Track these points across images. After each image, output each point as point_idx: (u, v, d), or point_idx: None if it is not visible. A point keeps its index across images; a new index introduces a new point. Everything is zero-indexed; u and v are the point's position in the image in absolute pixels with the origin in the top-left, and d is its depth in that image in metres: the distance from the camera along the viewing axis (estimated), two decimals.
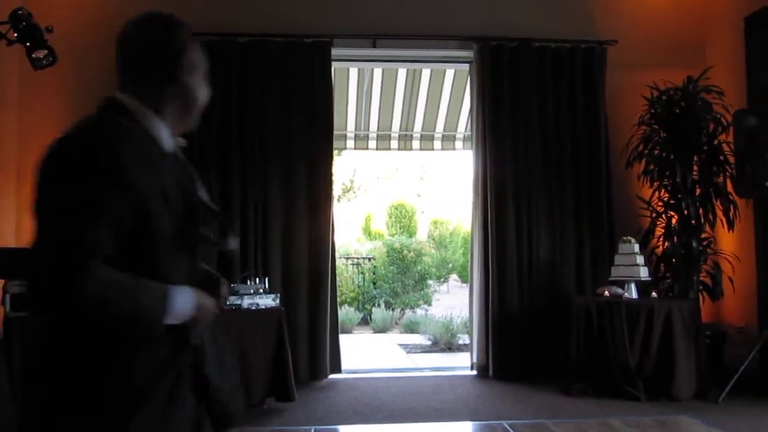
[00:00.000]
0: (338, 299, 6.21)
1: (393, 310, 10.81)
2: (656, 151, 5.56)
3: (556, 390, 5.07)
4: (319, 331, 5.52)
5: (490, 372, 5.62)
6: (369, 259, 12.53)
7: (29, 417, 1.37)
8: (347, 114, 7.98)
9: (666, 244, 5.57)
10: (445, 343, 8.13)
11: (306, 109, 5.64)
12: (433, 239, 15.09)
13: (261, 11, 5.73)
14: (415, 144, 8.56)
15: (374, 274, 11.89)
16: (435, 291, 12.74)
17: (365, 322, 10.63)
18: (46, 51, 4.34)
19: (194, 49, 1.53)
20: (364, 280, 11.75)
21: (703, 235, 5.52)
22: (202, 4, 5.48)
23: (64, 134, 1.39)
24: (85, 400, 1.31)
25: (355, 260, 12.54)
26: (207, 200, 1.55)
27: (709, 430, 4.06)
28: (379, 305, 10.83)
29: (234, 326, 4.41)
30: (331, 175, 5.75)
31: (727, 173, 5.43)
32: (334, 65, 5.91)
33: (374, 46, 5.92)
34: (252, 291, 4.73)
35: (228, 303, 4.50)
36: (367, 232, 16.73)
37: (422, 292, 11.54)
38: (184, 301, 1.40)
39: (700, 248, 5.47)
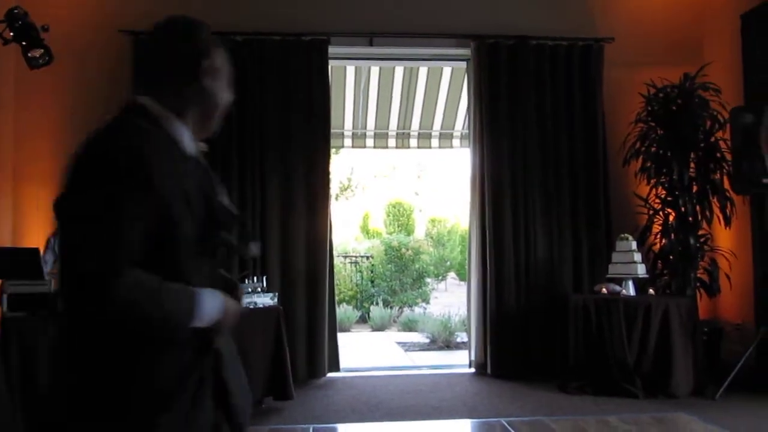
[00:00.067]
0: (336, 298, 6.21)
1: (391, 308, 10.82)
2: (653, 149, 5.57)
3: (554, 387, 5.08)
4: (317, 330, 5.52)
5: (488, 370, 5.63)
6: (367, 257, 12.54)
7: (53, 420, 1.36)
8: (344, 112, 7.98)
9: (663, 241, 5.58)
10: (443, 341, 8.14)
11: (303, 108, 5.64)
12: (431, 237, 15.10)
13: (258, 10, 5.73)
14: (413, 142, 8.56)
15: (372, 272, 11.89)
16: (433, 289, 12.75)
17: (363, 320, 10.64)
18: (42, 50, 4.33)
19: (216, 53, 1.52)
20: (362, 279, 11.75)
21: (700, 232, 5.53)
22: (201, 3, 5.46)
23: (88, 139, 1.39)
24: (111, 403, 1.31)
25: (353, 259, 12.54)
26: (228, 205, 1.55)
27: (707, 426, 4.07)
28: (377, 303, 10.84)
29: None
30: (328, 173, 5.75)
31: (724, 170, 5.44)
32: (332, 63, 5.90)
33: (371, 44, 5.92)
34: (250, 290, 4.74)
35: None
36: (365, 231, 16.74)
37: (420, 290, 11.55)
38: (212, 305, 1.40)
39: (697, 245, 5.48)
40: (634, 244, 5.33)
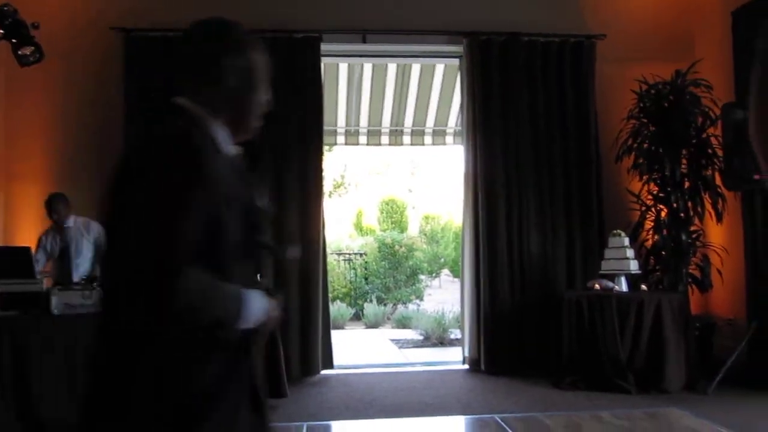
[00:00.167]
0: (330, 295, 6.21)
1: (385, 305, 10.83)
2: (645, 145, 5.59)
3: (548, 384, 5.09)
4: (310, 327, 5.52)
5: (482, 366, 5.64)
6: (360, 254, 12.54)
7: (95, 423, 1.34)
8: (337, 109, 7.96)
9: (655, 237, 5.61)
10: (437, 338, 8.15)
11: (296, 105, 5.63)
12: (425, 234, 15.11)
13: (250, 6, 5.70)
14: (406, 139, 8.54)
15: (366, 269, 11.90)
16: (427, 286, 12.76)
17: (357, 317, 10.65)
18: (32, 48, 4.31)
19: (247, 54, 1.49)
20: (355, 276, 11.75)
21: (691, 228, 5.56)
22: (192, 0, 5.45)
23: (141, 140, 1.38)
24: (157, 404, 1.29)
25: (347, 256, 12.54)
26: (265, 207, 1.55)
27: (699, 421, 4.09)
28: (371, 300, 10.85)
29: None
30: (321, 170, 5.74)
31: (716, 166, 5.47)
32: (324, 61, 5.89)
33: (364, 41, 5.91)
34: None
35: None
36: (359, 228, 16.74)
37: (414, 287, 11.56)
38: (258, 306, 1.40)
39: (689, 241, 5.50)
40: (626, 241, 5.35)
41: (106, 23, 5.48)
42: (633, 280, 5.33)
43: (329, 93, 7.10)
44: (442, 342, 8.08)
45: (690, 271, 5.54)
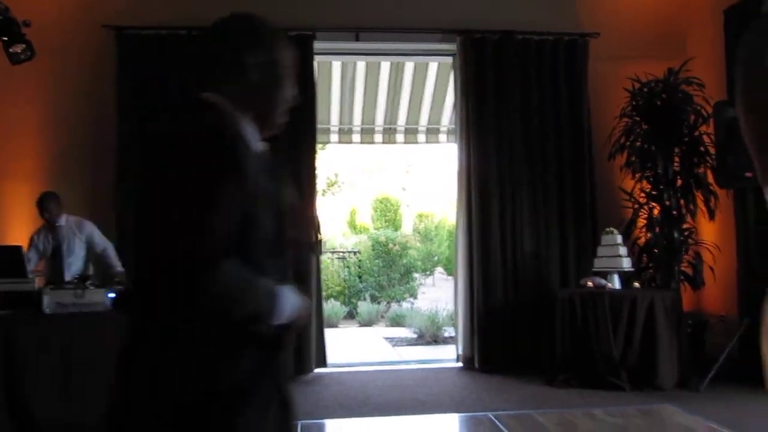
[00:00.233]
0: (324, 293, 6.20)
1: (379, 303, 10.83)
2: (638, 143, 5.61)
3: (541, 381, 5.10)
4: (304, 325, 5.52)
5: (476, 364, 5.65)
6: (354, 252, 12.53)
7: (126, 413, 1.33)
8: (330, 108, 7.95)
9: (648, 235, 5.63)
10: (431, 336, 8.16)
11: None
12: (419, 232, 15.12)
13: (243, 4, 5.67)
14: (399, 137, 8.54)
15: (360, 267, 11.89)
16: (421, 284, 12.77)
17: (351, 315, 10.64)
18: (24, 45, 4.29)
19: (276, 50, 1.48)
20: (349, 274, 11.75)
21: (684, 226, 5.58)
22: None
23: (171, 134, 1.35)
24: (189, 398, 1.27)
25: (341, 254, 12.53)
26: (295, 203, 1.54)
27: (691, 418, 4.11)
28: (364, 299, 10.85)
29: None
30: (314, 169, 5.74)
31: (708, 164, 5.49)
32: (317, 59, 5.88)
33: (357, 39, 5.90)
34: None
35: None
36: (352, 226, 16.74)
37: (408, 285, 11.57)
38: (291, 302, 1.39)
39: (682, 239, 5.53)
40: (619, 238, 5.37)
41: (98, 21, 5.45)
42: (626, 278, 5.35)
43: (322, 91, 7.09)
44: (436, 340, 8.09)
45: (682, 268, 5.56)
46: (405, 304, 10.98)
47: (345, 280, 11.60)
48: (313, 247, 1.64)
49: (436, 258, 14.27)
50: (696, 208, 5.53)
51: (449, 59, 6.25)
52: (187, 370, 1.28)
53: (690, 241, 5.63)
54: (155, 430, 1.29)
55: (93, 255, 5.08)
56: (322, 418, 4.36)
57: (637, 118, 5.64)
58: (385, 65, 7.52)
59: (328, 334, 5.90)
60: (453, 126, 6.55)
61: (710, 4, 5.76)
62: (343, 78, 7.65)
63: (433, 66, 7.55)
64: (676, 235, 5.48)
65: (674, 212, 5.52)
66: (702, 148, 5.52)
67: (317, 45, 5.72)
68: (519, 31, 5.86)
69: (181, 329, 1.28)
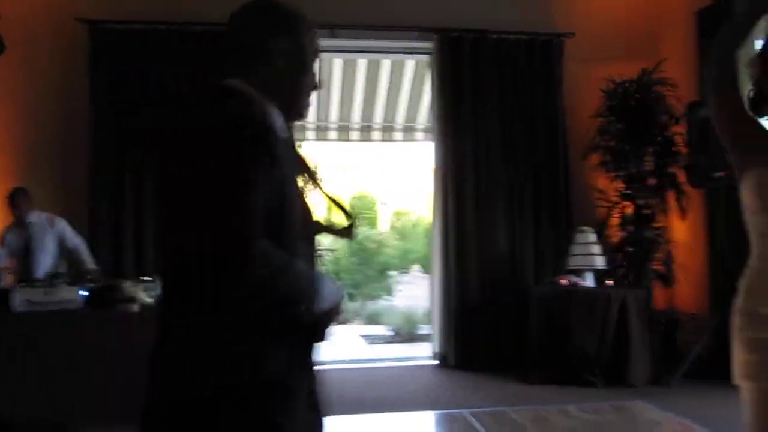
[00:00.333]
0: None
1: (355, 301, 10.81)
2: (612, 143, 5.67)
3: (517, 378, 5.14)
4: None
5: (452, 362, 5.67)
6: (331, 250, 12.49)
7: (166, 406, 1.29)
8: None
9: (621, 233, 5.69)
10: (407, 334, 8.17)
11: None
12: (396, 230, 15.13)
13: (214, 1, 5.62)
14: (376, 135, 8.53)
15: (336, 265, 11.86)
16: (397, 282, 12.79)
17: None
18: None
19: (300, 35, 1.47)
20: (325, 271, 11.71)
21: (656, 225, 5.66)
22: None
23: (200, 122, 1.32)
24: (227, 389, 1.25)
25: (317, 251, 12.48)
26: (323, 188, 1.53)
27: (663, 414, 4.18)
28: None
29: None
30: None
31: (680, 164, 5.57)
32: None
33: (333, 36, 5.87)
34: None
35: None
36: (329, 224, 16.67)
37: (384, 283, 11.57)
38: (330, 290, 1.35)
39: (654, 237, 5.60)
40: (593, 237, 5.42)
41: (71, 14, 5.36)
42: (599, 276, 5.40)
43: None
44: (412, 338, 8.10)
45: (654, 266, 5.64)
46: (381, 302, 10.98)
47: None
48: (344, 232, 1.62)
49: (412, 256, 14.28)
50: (668, 208, 5.61)
51: (426, 57, 6.25)
52: (225, 361, 1.25)
53: (662, 239, 5.70)
54: (193, 423, 1.26)
55: (65, 252, 5.00)
56: None
57: (611, 118, 5.70)
58: (362, 62, 7.50)
59: None
60: (429, 124, 6.56)
61: (683, 6, 5.83)
62: (319, 75, 7.61)
63: (409, 64, 7.54)
64: (648, 233, 5.56)
65: (647, 211, 5.60)
66: (674, 148, 5.60)
67: None
68: (495, 30, 5.89)
69: (220, 320, 1.25)
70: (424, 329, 8.10)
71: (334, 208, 1.58)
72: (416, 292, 11.66)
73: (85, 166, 5.37)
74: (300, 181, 1.46)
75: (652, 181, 5.61)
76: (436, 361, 5.87)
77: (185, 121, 1.36)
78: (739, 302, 1.77)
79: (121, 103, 5.33)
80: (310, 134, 8.37)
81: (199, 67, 5.40)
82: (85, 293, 4.06)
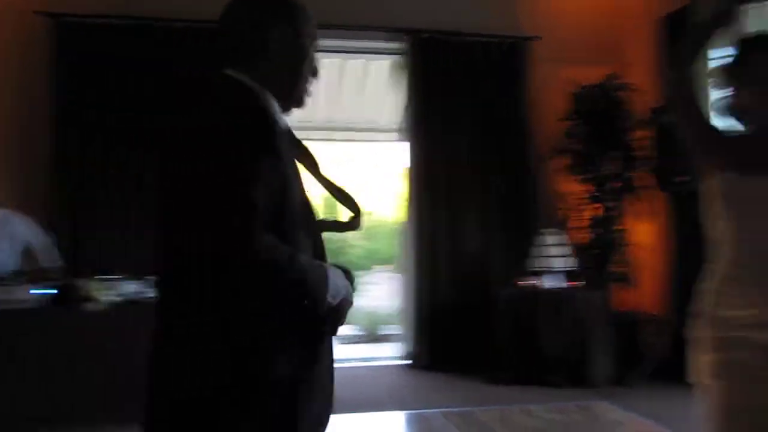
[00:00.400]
0: None
1: None
2: (577, 146, 5.74)
3: (484, 379, 5.17)
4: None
5: (420, 362, 5.68)
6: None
7: (171, 410, 1.27)
8: None
9: (585, 235, 5.77)
10: (375, 334, 8.15)
11: None
12: (362, 230, 15.11)
13: None
14: (341, 135, 8.48)
15: None
16: (363, 282, 12.76)
17: None
18: None
19: (298, 25, 1.45)
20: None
21: (619, 227, 5.75)
22: None
23: (200, 115, 1.30)
24: (236, 387, 1.23)
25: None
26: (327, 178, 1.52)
27: (625, 414, 4.25)
28: None
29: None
30: None
31: (644, 168, 5.67)
32: None
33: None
34: None
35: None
36: None
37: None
38: (339, 283, 1.34)
39: (617, 239, 5.69)
40: (554, 239, 5.48)
41: (31, 7, 5.21)
42: (563, 277, 5.47)
43: None
44: (380, 338, 8.09)
45: (617, 268, 5.73)
46: None
47: None
48: (347, 225, 1.61)
49: (379, 256, 14.28)
50: (631, 210, 5.71)
51: (395, 58, 6.24)
52: (228, 360, 1.23)
53: (625, 242, 5.80)
54: (193, 423, 1.24)
55: (22, 250, 4.86)
56: None
57: (577, 122, 5.78)
58: (330, 62, 7.45)
59: None
60: (397, 125, 6.56)
61: (646, 13, 5.94)
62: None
63: (377, 64, 7.51)
64: (611, 236, 5.65)
65: (610, 214, 5.69)
66: (638, 153, 5.70)
67: None
68: (466, 32, 5.92)
69: (221, 319, 1.23)
70: (391, 330, 8.10)
71: (338, 198, 1.57)
72: (383, 293, 11.66)
73: (46, 162, 5.24)
74: (302, 172, 1.45)
75: (616, 185, 5.70)
76: (405, 362, 5.87)
77: (184, 117, 1.34)
78: (700, 305, 1.81)
79: (85, 98, 5.21)
80: None
81: (167, 61, 5.32)
82: (44, 292, 3.96)
